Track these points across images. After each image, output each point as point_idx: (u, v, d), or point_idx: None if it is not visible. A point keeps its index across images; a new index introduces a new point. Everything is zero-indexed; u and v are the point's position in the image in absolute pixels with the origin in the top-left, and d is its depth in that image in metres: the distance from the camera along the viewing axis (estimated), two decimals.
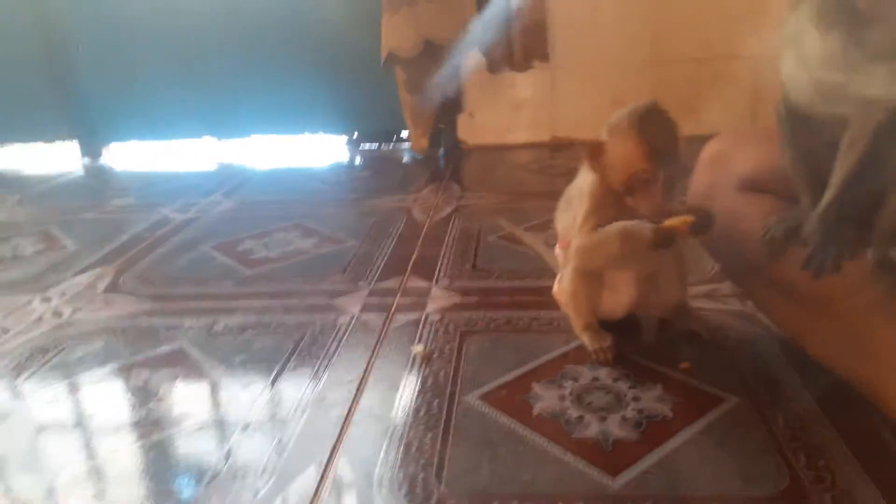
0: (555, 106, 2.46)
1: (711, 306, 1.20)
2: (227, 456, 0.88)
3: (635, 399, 0.94)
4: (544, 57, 2.33)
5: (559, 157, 2.32)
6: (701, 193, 1.04)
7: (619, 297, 1.07)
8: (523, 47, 2.28)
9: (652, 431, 0.87)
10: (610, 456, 0.83)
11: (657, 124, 0.91)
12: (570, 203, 1.04)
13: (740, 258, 0.99)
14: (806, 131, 0.83)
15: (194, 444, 0.91)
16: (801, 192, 0.89)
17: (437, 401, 0.97)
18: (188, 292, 1.40)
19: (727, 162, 1.05)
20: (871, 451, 0.81)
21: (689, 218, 0.91)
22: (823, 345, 0.90)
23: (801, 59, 0.72)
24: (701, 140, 1.12)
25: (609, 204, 0.97)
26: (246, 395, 1.02)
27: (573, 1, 2.32)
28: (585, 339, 1.06)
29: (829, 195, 0.83)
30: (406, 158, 2.48)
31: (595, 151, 0.95)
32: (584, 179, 1.01)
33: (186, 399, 1.02)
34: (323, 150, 2.65)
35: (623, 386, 0.98)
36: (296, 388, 1.03)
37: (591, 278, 1.04)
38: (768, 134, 0.95)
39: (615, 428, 0.89)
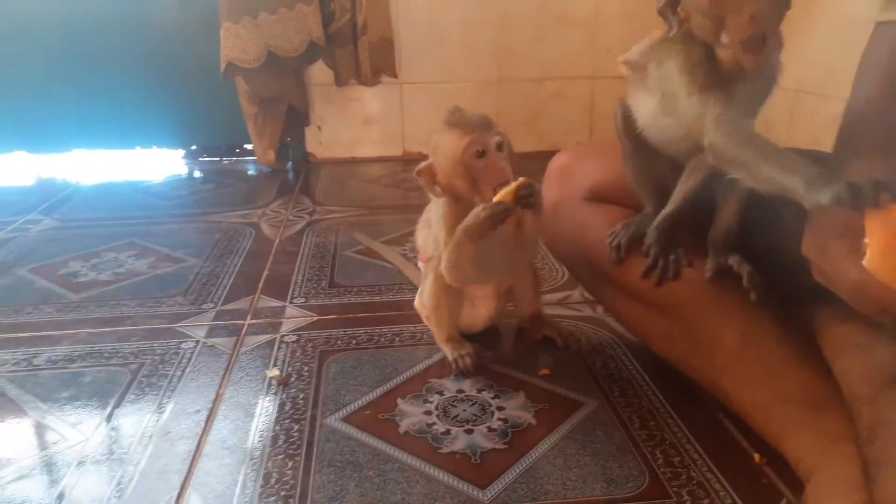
0: (405, 121, 2.47)
1: (564, 313, 1.24)
2: (60, 498, 0.77)
3: (499, 408, 0.94)
4: (392, 72, 2.33)
5: (411, 170, 2.32)
6: (549, 205, 1.07)
7: (480, 309, 1.10)
8: (370, 62, 2.26)
9: (518, 440, 0.88)
10: (478, 468, 0.82)
11: (461, 112, 0.94)
12: (430, 223, 1.04)
13: (589, 265, 1.02)
14: (649, 151, 0.90)
15: (19, 492, 0.79)
16: (646, 202, 0.95)
17: (296, 426, 0.91)
18: (1, 322, 1.23)
19: (573, 174, 1.09)
20: (717, 443, 0.87)
21: (511, 186, 0.89)
22: (669, 346, 0.96)
23: (663, 106, 0.81)
24: (544, 155, 1.17)
25: (462, 218, 0.94)
26: (76, 434, 0.90)
27: (419, 18, 2.35)
28: (447, 350, 1.05)
29: (668, 209, 0.91)
30: (252, 172, 2.37)
31: (427, 174, 0.96)
32: (436, 203, 1.01)
33: (3, 444, 0.89)
34: (158, 165, 2.46)
35: (487, 396, 0.97)
36: (136, 423, 0.93)
37: (451, 291, 1.03)
38: (609, 147, 1.01)
39: (482, 439, 0.88)
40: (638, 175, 0.95)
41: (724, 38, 0.71)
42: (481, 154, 0.91)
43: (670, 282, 0.89)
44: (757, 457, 0.83)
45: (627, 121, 0.90)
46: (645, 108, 0.85)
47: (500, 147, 0.92)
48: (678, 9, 0.76)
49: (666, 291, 0.90)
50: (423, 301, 1.09)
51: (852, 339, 0.71)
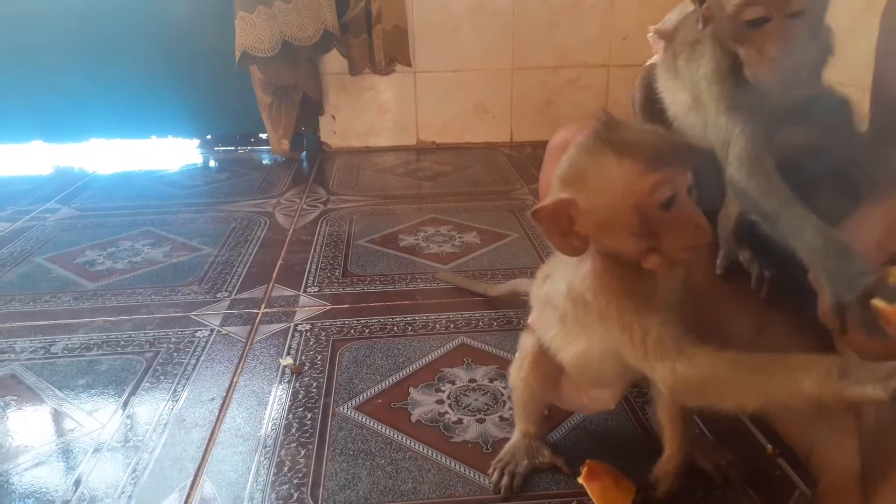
0: (419, 110, 2.46)
1: None
2: (77, 484, 0.79)
3: (511, 398, 0.94)
4: (406, 61, 2.33)
5: (425, 160, 2.32)
6: (548, 184, 1.04)
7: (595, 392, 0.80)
8: (384, 50, 2.26)
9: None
10: (490, 457, 0.82)
11: (631, 129, 0.62)
12: (549, 302, 0.72)
13: None
14: None
15: (37, 479, 0.80)
16: None
17: (309, 415, 0.92)
18: (19, 310, 1.25)
19: None
20: (731, 435, 0.86)
21: None
22: None
23: (694, 106, 0.77)
24: None
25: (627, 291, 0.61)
26: (92, 421, 0.91)
27: (433, 7, 2.34)
28: (507, 448, 0.82)
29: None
30: (266, 161, 2.38)
31: (554, 219, 0.61)
32: (573, 272, 0.66)
33: (21, 431, 0.90)
34: (174, 154, 2.47)
35: (499, 385, 0.97)
36: (151, 410, 0.94)
37: (546, 374, 0.77)
38: None
39: (493, 429, 0.88)
40: None
41: (743, 54, 0.68)
42: (670, 202, 0.58)
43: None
44: (770, 448, 0.82)
45: (649, 102, 0.86)
46: (677, 100, 0.82)
47: (691, 188, 0.59)
48: (703, 6, 0.72)
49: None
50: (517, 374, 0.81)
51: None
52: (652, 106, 0.86)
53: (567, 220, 0.61)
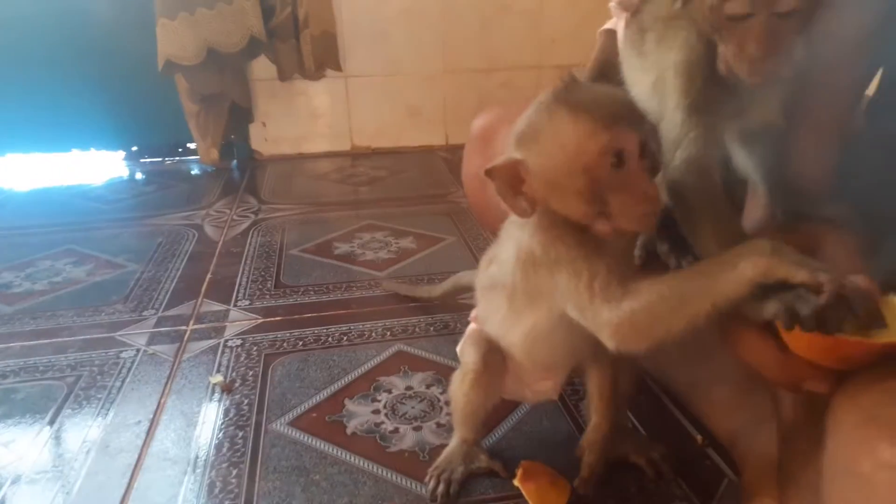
0: (352, 115, 2.44)
1: None
2: None
3: (448, 403, 0.93)
4: (336, 66, 2.30)
5: (360, 165, 2.30)
6: (474, 177, 0.98)
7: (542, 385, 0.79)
8: (314, 55, 2.22)
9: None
10: (427, 465, 0.81)
11: (589, 88, 0.61)
12: (495, 285, 0.71)
13: None
14: None
15: None
16: None
17: (241, 433, 0.89)
18: None
19: (496, 141, 0.98)
20: (661, 427, 0.88)
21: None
22: None
23: (656, 90, 0.69)
24: None
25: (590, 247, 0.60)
26: (8, 453, 0.87)
27: (362, 12, 2.32)
28: (444, 453, 0.81)
29: None
30: (195, 172, 2.31)
31: (507, 176, 0.60)
32: (520, 234, 0.65)
33: None
34: (97, 168, 2.37)
35: (436, 391, 0.97)
36: (73, 438, 0.89)
37: (489, 380, 0.76)
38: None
39: (430, 436, 0.87)
40: None
41: (721, 48, 0.59)
42: (619, 161, 0.56)
43: None
44: (700, 439, 0.84)
45: (602, 76, 0.82)
46: (638, 80, 0.72)
47: (644, 150, 0.57)
48: None
49: None
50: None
51: None
52: (604, 79, 0.78)
53: (518, 180, 0.60)
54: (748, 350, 0.56)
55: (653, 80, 0.68)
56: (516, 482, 0.76)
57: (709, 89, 0.62)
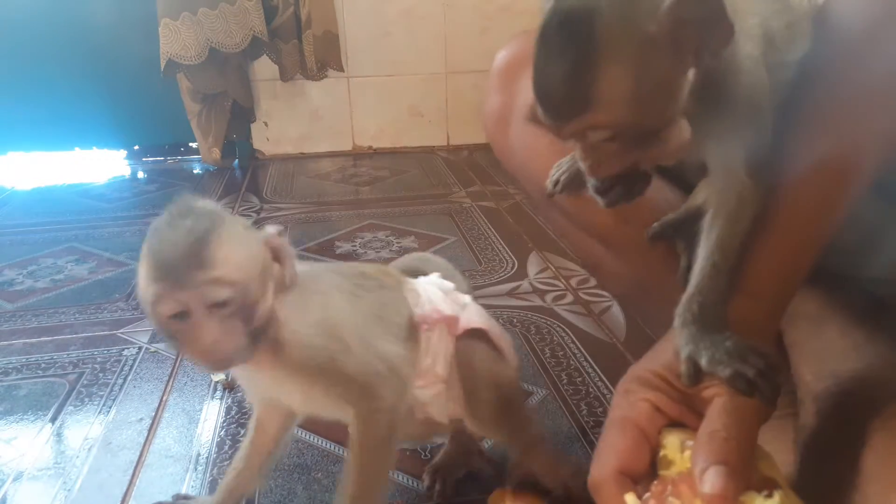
0: (354, 115, 2.44)
1: (514, 303, 1.24)
2: None
3: None
4: (338, 66, 2.30)
5: (361, 165, 2.30)
6: (496, 113, 0.91)
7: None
8: (316, 56, 2.23)
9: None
10: (427, 463, 0.81)
11: (171, 229, 0.54)
12: None
13: (539, 190, 0.84)
14: None
15: None
16: None
17: (243, 431, 0.89)
18: None
19: (519, 79, 0.89)
20: None
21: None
22: (617, 284, 0.92)
23: None
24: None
25: None
26: (11, 450, 0.87)
27: (364, 12, 2.32)
28: None
29: None
30: (197, 171, 2.32)
31: None
32: None
33: None
34: (99, 167, 2.38)
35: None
36: (75, 435, 0.90)
37: None
38: None
39: None
40: None
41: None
42: (181, 318, 0.53)
43: (623, 225, 0.74)
44: None
45: None
46: None
47: (223, 304, 0.53)
48: None
49: (617, 231, 0.76)
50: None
51: (803, 309, 0.66)
52: None
53: None
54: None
55: None
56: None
57: None
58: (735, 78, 0.51)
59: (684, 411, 0.51)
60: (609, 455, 0.50)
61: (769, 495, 0.45)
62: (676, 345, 0.52)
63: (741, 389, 0.48)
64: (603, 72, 0.45)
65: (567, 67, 0.47)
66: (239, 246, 0.55)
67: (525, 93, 0.74)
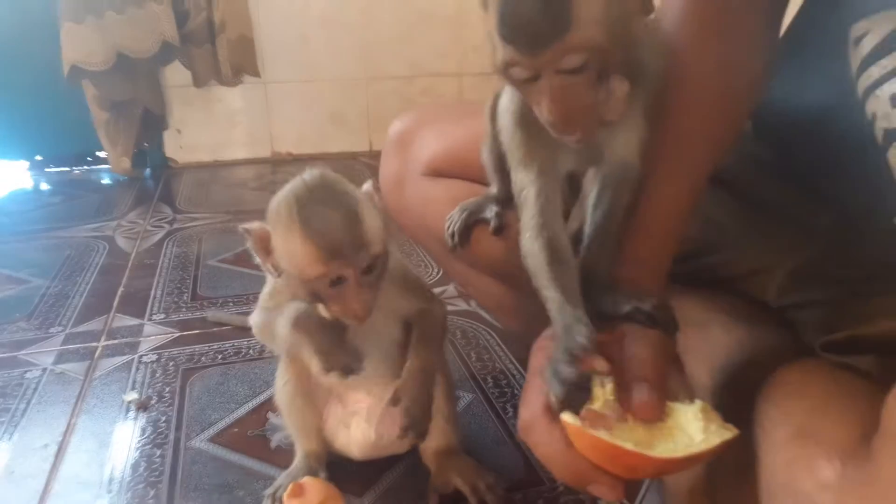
0: (272, 121, 2.39)
1: None
2: None
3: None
4: (254, 71, 2.25)
5: (281, 172, 2.26)
6: (392, 178, 0.98)
7: (353, 432, 0.78)
8: (230, 61, 2.17)
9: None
10: (354, 476, 0.80)
11: (328, 209, 0.63)
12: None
13: (436, 240, 0.91)
14: None
15: None
16: (493, 183, 0.82)
17: (158, 451, 0.85)
18: None
19: (412, 145, 0.97)
20: None
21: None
22: (518, 318, 0.94)
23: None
24: None
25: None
26: None
27: (280, 17, 2.28)
28: (292, 466, 0.79)
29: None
30: (106, 181, 2.21)
31: (262, 242, 0.67)
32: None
33: None
34: None
35: None
36: None
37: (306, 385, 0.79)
38: (447, 112, 0.98)
39: None
40: (495, 161, 0.78)
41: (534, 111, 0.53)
42: (338, 281, 0.64)
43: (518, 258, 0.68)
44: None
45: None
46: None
47: (370, 271, 0.65)
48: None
49: (512, 265, 0.71)
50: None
51: (690, 316, 0.66)
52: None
53: (268, 248, 0.67)
54: (536, 440, 0.52)
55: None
56: (285, 497, 0.70)
57: (538, 141, 0.58)
58: (648, 62, 0.55)
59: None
60: (535, 396, 0.53)
61: (691, 402, 0.49)
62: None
63: (642, 321, 0.53)
64: None
65: None
66: (377, 218, 0.67)
67: (421, 156, 0.91)
